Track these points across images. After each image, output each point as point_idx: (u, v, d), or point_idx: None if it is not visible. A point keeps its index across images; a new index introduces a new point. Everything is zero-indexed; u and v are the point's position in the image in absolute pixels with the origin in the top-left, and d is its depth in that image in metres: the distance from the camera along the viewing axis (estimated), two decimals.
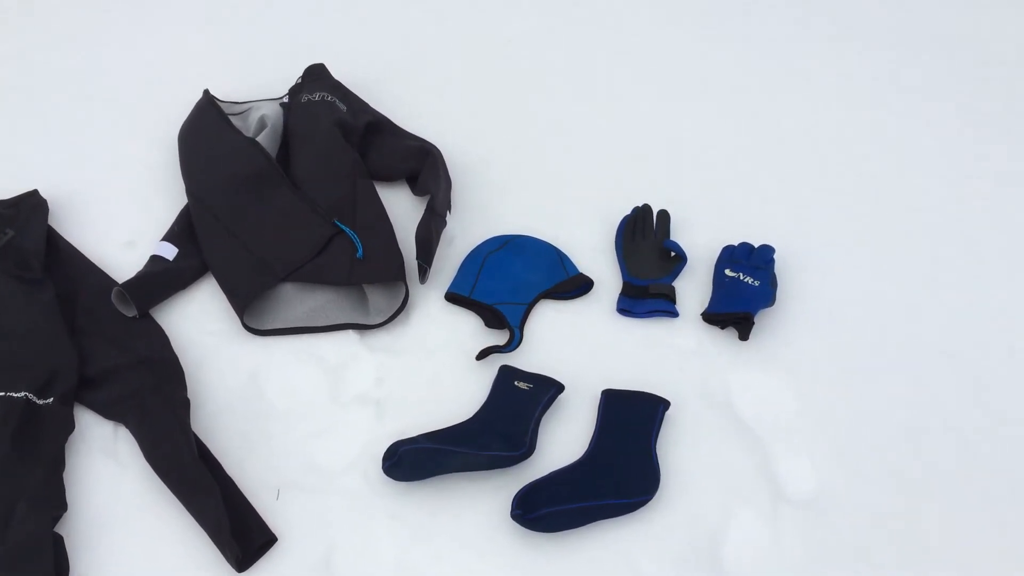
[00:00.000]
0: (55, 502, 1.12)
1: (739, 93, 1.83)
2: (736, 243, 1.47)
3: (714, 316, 1.38)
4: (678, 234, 1.52)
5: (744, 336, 1.35)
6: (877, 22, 2.02)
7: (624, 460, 1.20)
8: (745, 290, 1.38)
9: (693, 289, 1.44)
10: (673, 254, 1.46)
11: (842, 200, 1.61)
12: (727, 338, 1.38)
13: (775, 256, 1.44)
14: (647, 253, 1.47)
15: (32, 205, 1.44)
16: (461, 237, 1.50)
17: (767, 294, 1.39)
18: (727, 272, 1.42)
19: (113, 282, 1.36)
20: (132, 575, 1.10)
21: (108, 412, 1.24)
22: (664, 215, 1.52)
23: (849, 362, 1.36)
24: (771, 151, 1.70)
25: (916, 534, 1.18)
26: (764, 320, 1.39)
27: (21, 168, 1.54)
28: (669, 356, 1.35)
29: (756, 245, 1.46)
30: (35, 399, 1.19)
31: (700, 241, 1.50)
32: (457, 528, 1.16)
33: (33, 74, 1.74)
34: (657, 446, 1.23)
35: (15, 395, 1.18)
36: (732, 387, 1.32)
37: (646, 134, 1.72)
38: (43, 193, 1.47)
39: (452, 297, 1.41)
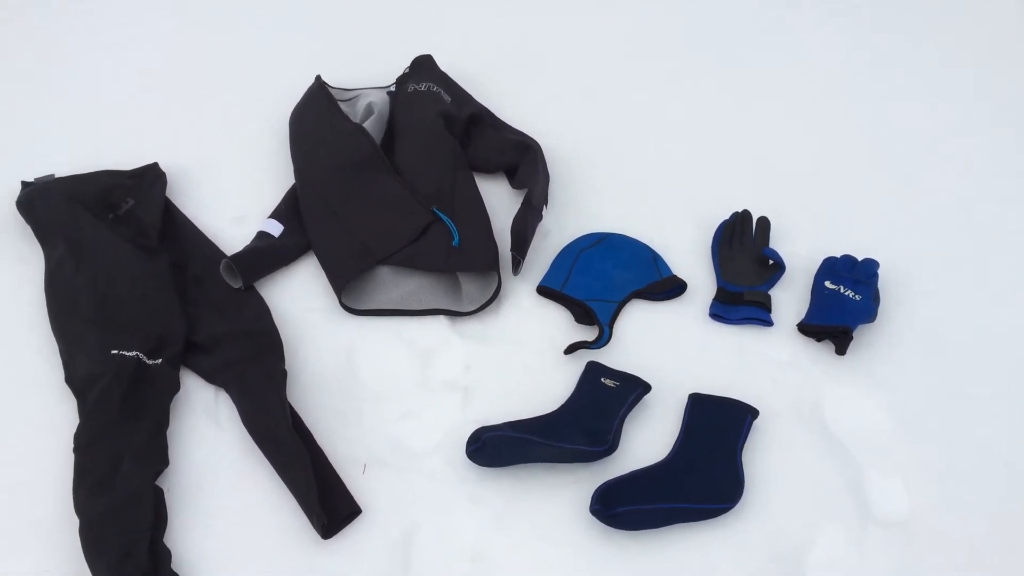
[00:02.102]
0: (158, 458, 1.18)
1: (852, 101, 1.78)
2: (838, 255, 1.44)
3: (811, 328, 1.35)
4: (777, 242, 1.49)
5: (841, 351, 1.32)
6: (1006, 37, 1.94)
7: (708, 465, 1.19)
8: (845, 303, 1.35)
9: (790, 299, 1.42)
10: (771, 262, 1.44)
11: (954, 218, 1.55)
12: (823, 351, 1.35)
13: (879, 271, 1.40)
14: (744, 259, 1.45)
15: (153, 177, 1.52)
16: (556, 232, 1.51)
17: (868, 309, 1.35)
18: (827, 284, 1.39)
19: (222, 254, 1.43)
20: (225, 532, 1.15)
21: (211, 377, 1.30)
22: (764, 222, 1.50)
23: (950, 386, 1.31)
24: (882, 163, 1.65)
25: (1009, 569, 1.13)
26: (863, 336, 1.35)
27: (145, 142, 1.62)
28: (760, 365, 1.33)
29: (859, 258, 1.42)
30: (145, 359, 1.25)
31: (800, 251, 1.47)
32: (535, 517, 1.17)
33: (161, 56, 1.82)
34: (743, 455, 1.21)
35: (127, 354, 1.24)
36: (825, 402, 1.29)
37: (750, 139, 1.70)
38: (163, 166, 1.54)
39: (543, 291, 1.42)
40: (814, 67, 1.86)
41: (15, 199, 1.46)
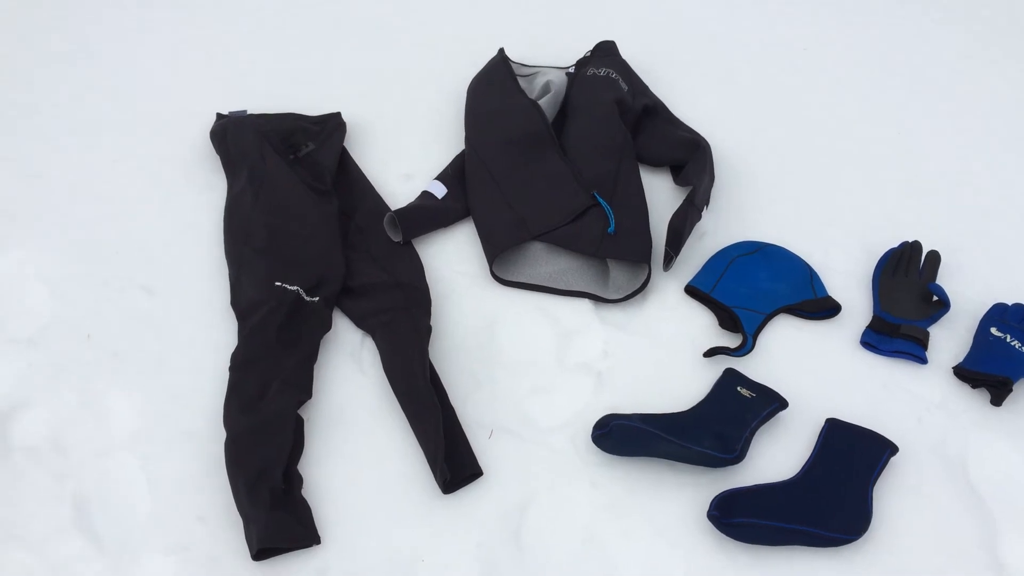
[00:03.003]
0: (303, 388, 1.26)
1: None
2: (1010, 303, 1.36)
3: (968, 372, 1.28)
4: (945, 280, 1.42)
5: (997, 401, 1.25)
6: None
7: (836, 493, 1.15)
8: (1010, 353, 1.28)
9: (949, 340, 1.35)
10: (936, 299, 1.37)
11: None
12: (977, 399, 1.28)
13: None
14: (907, 292, 1.39)
15: (334, 125, 1.60)
16: (712, 235, 1.49)
17: None
18: (993, 331, 1.32)
19: (387, 207, 1.49)
20: (353, 470, 1.21)
21: (360, 322, 1.36)
22: (934, 256, 1.43)
23: None
24: None
25: None
26: (1022, 390, 1.28)
27: (331, 92, 1.70)
28: (907, 402, 1.28)
29: None
30: (304, 295, 1.33)
31: (968, 292, 1.40)
32: (651, 512, 1.17)
33: (357, 12, 1.90)
34: (874, 489, 1.17)
35: (289, 287, 1.32)
36: (971, 451, 1.23)
37: (930, 170, 1.62)
38: (344, 117, 1.62)
39: (691, 291, 1.41)
40: (1013, 104, 1.75)
41: (209, 129, 1.58)
